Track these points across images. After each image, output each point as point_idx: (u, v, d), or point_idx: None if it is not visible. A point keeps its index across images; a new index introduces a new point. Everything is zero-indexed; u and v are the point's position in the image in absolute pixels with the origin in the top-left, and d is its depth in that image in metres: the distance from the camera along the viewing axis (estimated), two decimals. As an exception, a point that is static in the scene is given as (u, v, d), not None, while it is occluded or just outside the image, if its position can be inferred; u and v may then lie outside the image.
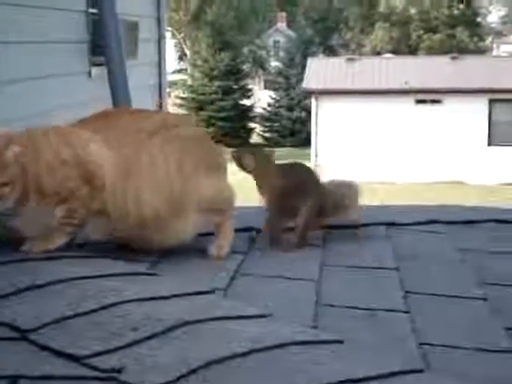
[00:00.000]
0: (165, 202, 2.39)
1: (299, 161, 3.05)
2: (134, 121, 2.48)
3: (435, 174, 25.95)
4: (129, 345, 1.76)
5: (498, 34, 48.61)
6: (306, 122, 32.44)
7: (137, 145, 2.40)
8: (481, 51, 41.68)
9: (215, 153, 2.59)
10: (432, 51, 40.13)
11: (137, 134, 2.42)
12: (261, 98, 39.08)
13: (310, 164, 27.02)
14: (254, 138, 36.97)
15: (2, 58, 5.30)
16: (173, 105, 31.48)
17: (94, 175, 2.35)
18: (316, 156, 27.54)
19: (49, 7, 6.27)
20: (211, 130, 35.19)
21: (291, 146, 34.18)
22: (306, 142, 30.92)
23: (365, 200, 3.26)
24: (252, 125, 37.26)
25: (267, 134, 36.70)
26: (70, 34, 6.82)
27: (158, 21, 9.88)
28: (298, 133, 34.94)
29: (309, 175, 2.81)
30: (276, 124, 36.27)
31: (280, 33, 45.94)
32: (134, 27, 7.84)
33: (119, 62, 3.20)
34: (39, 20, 5.98)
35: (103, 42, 3.20)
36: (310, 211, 2.71)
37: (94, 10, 7.37)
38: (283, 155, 31.97)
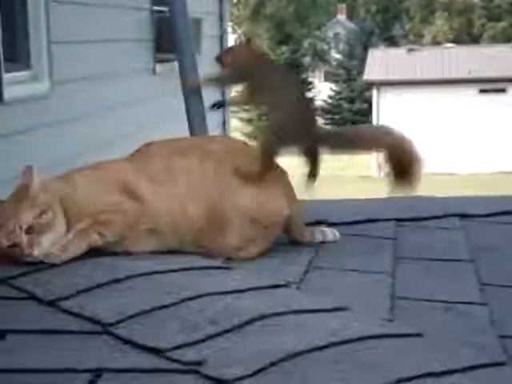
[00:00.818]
0: (204, 212, 2.39)
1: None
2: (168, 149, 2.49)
3: (499, 163, 25.55)
4: (208, 338, 1.78)
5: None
6: (367, 113, 32.25)
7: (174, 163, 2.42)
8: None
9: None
10: (494, 40, 39.49)
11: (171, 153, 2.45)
12: (321, 91, 38.93)
13: (371, 159, 26.87)
14: (315, 131, 36.86)
15: (69, 56, 5.38)
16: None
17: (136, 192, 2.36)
18: (378, 148, 27.35)
19: (116, 6, 6.35)
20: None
21: (353, 138, 33.99)
22: (367, 134, 30.69)
23: (432, 191, 3.24)
24: (313, 118, 37.15)
25: (328, 126, 36.59)
26: (135, 32, 6.91)
27: (221, 17, 9.94)
28: (359, 124, 34.75)
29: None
30: (337, 116, 36.13)
31: (340, 25, 45.70)
32: (197, 24, 7.90)
33: (191, 59, 3.21)
34: (102, 17, 6.05)
35: (175, 41, 3.22)
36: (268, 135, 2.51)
37: (158, 8, 7.45)
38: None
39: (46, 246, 2.21)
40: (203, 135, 3.05)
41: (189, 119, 3.19)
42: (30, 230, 2.19)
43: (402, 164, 2.57)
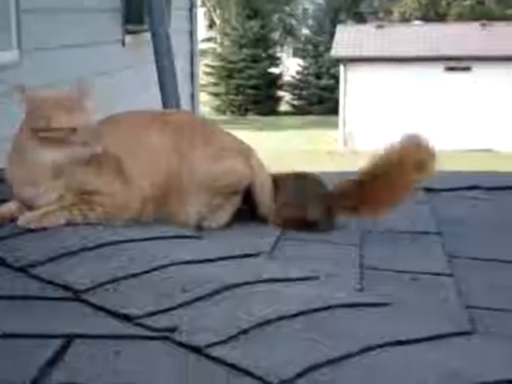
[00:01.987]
0: (173, 185, 2.41)
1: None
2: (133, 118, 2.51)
3: (465, 141, 25.76)
4: (180, 306, 1.80)
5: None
6: (334, 89, 32.26)
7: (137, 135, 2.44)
8: (509, 18, 41.10)
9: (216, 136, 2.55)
10: (461, 18, 39.64)
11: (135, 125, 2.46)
12: (289, 66, 38.88)
13: (337, 131, 26.95)
14: (283, 106, 36.87)
15: (36, 26, 5.32)
16: (203, 73, 31.43)
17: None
18: (344, 124, 27.42)
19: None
20: (240, 98, 35.15)
21: (319, 113, 34.05)
22: (334, 110, 30.76)
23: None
24: (281, 93, 37.12)
25: (295, 102, 36.57)
26: (105, 2, 6.84)
27: (190, -11, 9.86)
28: (326, 101, 34.76)
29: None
30: (304, 92, 36.11)
31: (309, 0, 45.58)
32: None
33: (163, 28, 3.21)
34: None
35: (148, 12, 3.20)
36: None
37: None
38: (312, 123, 31.92)
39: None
40: (170, 109, 3.04)
41: (162, 91, 3.18)
42: None
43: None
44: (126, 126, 2.48)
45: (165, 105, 3.10)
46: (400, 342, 1.68)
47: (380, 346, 1.64)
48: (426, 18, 39.42)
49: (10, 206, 2.33)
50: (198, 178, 2.43)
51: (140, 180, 2.37)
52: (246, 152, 2.54)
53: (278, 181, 2.58)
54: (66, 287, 1.88)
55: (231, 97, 35.56)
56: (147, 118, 2.52)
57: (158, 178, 2.39)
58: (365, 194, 2.51)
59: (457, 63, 26.60)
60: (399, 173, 2.47)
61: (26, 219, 2.25)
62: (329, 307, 1.83)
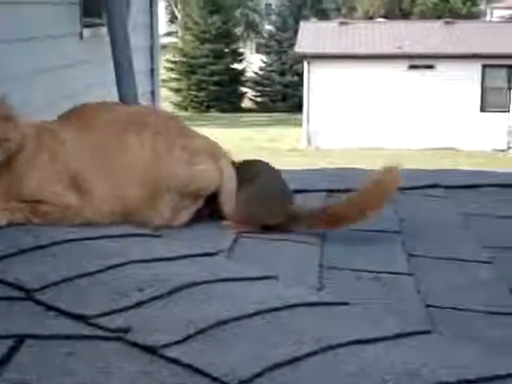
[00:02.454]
0: (142, 191, 2.37)
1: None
2: (107, 115, 2.44)
3: (428, 140, 25.96)
4: (135, 305, 1.76)
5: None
6: (298, 86, 32.32)
7: (112, 139, 2.38)
8: (474, 16, 41.52)
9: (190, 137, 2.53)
10: (425, 16, 39.95)
11: (110, 127, 2.39)
12: (253, 62, 38.88)
13: (301, 129, 27.01)
14: (246, 103, 36.86)
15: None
16: (163, 68, 31.29)
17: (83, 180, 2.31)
18: (308, 121, 27.47)
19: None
20: (202, 94, 35.06)
21: (283, 111, 34.10)
22: (298, 107, 30.83)
23: (359, 165, 3.26)
24: (243, 89, 37.11)
25: (259, 99, 36.58)
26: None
27: (151, -20, 9.77)
28: (290, 97, 34.83)
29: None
30: (268, 88, 36.13)
31: (272, -5, 45.65)
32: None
33: (121, 22, 3.15)
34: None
35: (106, 4, 3.15)
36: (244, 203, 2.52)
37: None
38: (275, 120, 31.95)
39: None
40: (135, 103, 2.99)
41: (119, 86, 3.13)
42: None
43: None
44: (100, 125, 2.40)
45: (122, 101, 3.05)
46: (359, 342, 1.66)
47: (340, 346, 1.62)
48: (389, 16, 39.67)
49: None
50: (171, 182, 2.41)
51: (101, 195, 2.32)
52: (216, 154, 2.53)
53: (241, 171, 2.56)
54: (16, 286, 1.83)
55: (193, 93, 35.47)
56: (123, 118, 2.44)
57: (126, 191, 2.34)
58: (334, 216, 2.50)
59: (420, 61, 26.78)
60: (375, 202, 2.47)
61: None
62: (288, 306, 1.81)
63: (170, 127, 2.48)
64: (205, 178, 2.47)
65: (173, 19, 46.27)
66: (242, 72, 37.17)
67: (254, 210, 2.49)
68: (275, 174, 2.61)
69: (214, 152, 2.53)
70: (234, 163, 2.59)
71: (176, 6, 44.91)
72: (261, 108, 35.50)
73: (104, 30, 7.28)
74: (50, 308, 1.74)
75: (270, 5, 44.27)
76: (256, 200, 2.50)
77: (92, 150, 2.34)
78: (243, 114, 34.38)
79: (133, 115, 2.48)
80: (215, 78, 35.19)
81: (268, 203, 2.50)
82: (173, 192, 2.41)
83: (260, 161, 2.66)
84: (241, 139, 25.33)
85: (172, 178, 2.40)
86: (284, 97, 35.38)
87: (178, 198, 2.42)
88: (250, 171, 2.56)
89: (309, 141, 26.42)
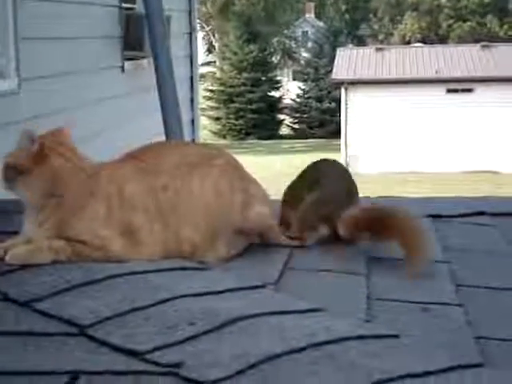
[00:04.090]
0: (201, 234, 2.39)
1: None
2: (173, 158, 2.45)
3: (468, 163, 25.79)
4: (187, 339, 1.77)
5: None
6: (335, 112, 32.36)
7: (176, 182, 2.39)
8: (511, 39, 41.31)
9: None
10: (462, 40, 39.82)
11: (175, 170, 2.40)
12: (290, 90, 39.00)
13: (339, 155, 26.96)
14: (283, 130, 36.94)
15: (36, 53, 5.33)
16: (202, 97, 31.51)
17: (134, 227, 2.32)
18: (346, 147, 27.46)
19: (85, 2, 6.30)
20: (240, 122, 35.24)
21: (320, 137, 34.13)
22: (335, 133, 30.84)
23: (401, 191, 3.24)
24: (281, 116, 37.23)
25: (296, 126, 36.69)
26: (104, 29, 6.86)
27: (189, 14, 9.89)
28: (327, 124, 34.87)
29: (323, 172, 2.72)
30: (305, 115, 36.22)
31: (308, 23, 45.81)
32: (167, 21, 7.87)
33: (166, 57, 3.20)
34: (71, 15, 6.00)
35: (150, 38, 3.20)
36: (309, 206, 2.62)
37: (126, 5, 7.40)
38: (313, 146, 31.95)
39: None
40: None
41: (165, 117, 3.17)
42: None
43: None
44: (165, 168, 2.40)
45: (167, 130, 3.10)
46: (410, 375, 1.65)
47: (391, 380, 1.62)
48: (426, 41, 39.59)
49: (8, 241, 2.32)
50: (231, 224, 2.44)
51: (154, 242, 2.33)
52: (266, 198, 2.59)
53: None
54: (70, 322, 1.85)
55: (231, 121, 35.69)
56: (189, 161, 2.44)
57: (184, 234, 2.36)
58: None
59: (458, 85, 26.66)
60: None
61: (13, 256, 2.23)
62: (338, 340, 1.80)
63: (233, 170, 2.51)
64: (260, 220, 2.51)
65: (210, 49, 46.62)
66: (279, 99, 37.32)
67: (320, 212, 2.58)
68: (340, 174, 2.72)
69: (265, 195, 2.58)
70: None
71: (214, 36, 45.28)
72: (299, 135, 35.59)
73: (144, 62, 7.39)
74: (102, 344, 1.76)
75: (307, 32, 44.43)
76: (320, 203, 2.60)
77: (152, 195, 2.34)
78: (281, 141, 34.47)
79: (200, 157, 2.48)
80: (253, 106, 35.38)
81: (334, 204, 2.60)
82: (230, 232, 2.44)
83: (334, 162, 2.77)
84: (280, 166, 25.35)
85: (232, 220, 2.43)
86: (321, 123, 35.43)
87: (234, 237, 2.46)
88: (314, 175, 2.69)
89: (347, 165, 26.40)
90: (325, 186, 2.65)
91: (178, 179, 2.37)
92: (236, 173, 2.51)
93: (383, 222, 2.53)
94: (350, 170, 2.73)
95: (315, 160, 2.79)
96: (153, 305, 1.94)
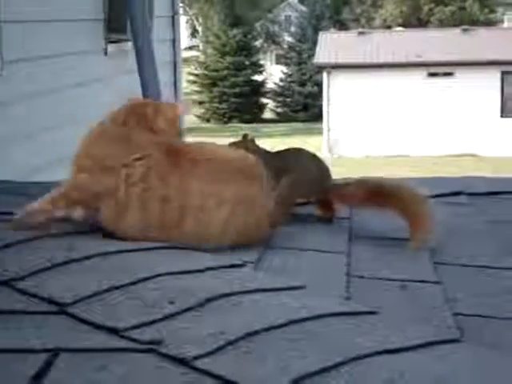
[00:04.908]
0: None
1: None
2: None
3: (448, 146, 25.87)
4: (166, 317, 1.78)
5: (509, 5, 48.13)
6: (318, 96, 32.32)
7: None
8: (492, 23, 41.36)
9: None
10: (443, 24, 39.85)
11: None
12: (273, 73, 38.94)
13: (322, 138, 26.99)
14: (266, 114, 36.90)
15: (19, 36, 5.30)
16: (186, 82, 31.40)
17: None
18: (328, 130, 27.46)
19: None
20: (224, 106, 35.17)
21: (304, 120, 34.12)
22: (318, 117, 30.83)
23: (380, 173, 3.26)
24: (264, 100, 37.17)
25: (279, 109, 36.62)
26: (87, 12, 6.81)
27: (172, -3, 9.83)
28: (310, 107, 34.85)
29: (299, 157, 2.83)
30: (288, 99, 36.17)
31: (291, 7, 45.71)
32: (149, 4, 7.82)
33: (147, 38, 3.19)
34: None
35: (129, 20, 3.19)
36: (289, 186, 2.70)
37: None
38: (296, 130, 31.96)
39: None
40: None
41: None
42: None
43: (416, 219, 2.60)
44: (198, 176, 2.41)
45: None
46: (388, 351, 1.67)
47: (369, 356, 1.63)
48: (407, 25, 39.60)
49: None
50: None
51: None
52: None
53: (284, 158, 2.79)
54: (50, 301, 1.86)
55: (215, 105, 35.60)
56: (231, 166, 2.46)
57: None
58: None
59: (439, 68, 26.72)
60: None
61: None
62: (316, 317, 1.82)
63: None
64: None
65: (194, 33, 46.43)
66: (262, 83, 37.25)
67: (298, 191, 2.69)
68: (313, 157, 2.83)
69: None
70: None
71: (197, 20, 45.08)
72: (282, 118, 35.54)
73: (127, 45, 7.35)
74: (83, 321, 1.77)
75: (290, 16, 44.34)
76: (298, 183, 2.70)
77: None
78: (264, 125, 34.43)
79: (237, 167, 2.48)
80: (236, 90, 35.30)
81: (309, 184, 2.73)
82: None
83: (300, 149, 2.88)
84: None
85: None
86: (304, 107, 35.40)
87: None
88: (290, 158, 2.80)
89: (330, 149, 26.40)
90: (297, 169, 2.75)
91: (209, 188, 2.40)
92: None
93: (385, 193, 2.58)
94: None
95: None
96: (132, 283, 1.94)
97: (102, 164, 2.39)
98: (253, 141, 2.89)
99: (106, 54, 7.13)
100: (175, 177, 2.36)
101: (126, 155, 2.38)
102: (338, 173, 2.90)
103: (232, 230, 2.37)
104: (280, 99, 36.72)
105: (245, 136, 2.91)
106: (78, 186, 2.41)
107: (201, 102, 35.76)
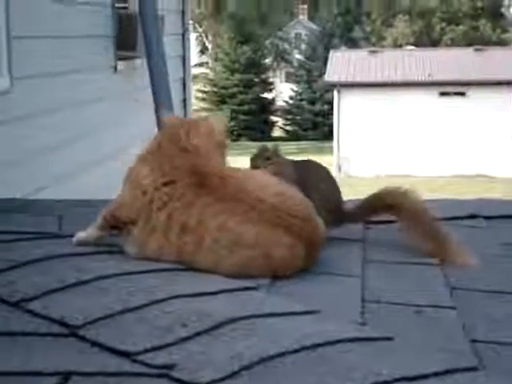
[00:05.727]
0: None
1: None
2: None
3: (459, 167, 25.83)
4: (179, 341, 1.75)
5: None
6: (328, 115, 32.37)
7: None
8: (504, 43, 41.39)
9: None
10: (454, 43, 39.89)
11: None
12: (282, 91, 38.99)
13: (332, 157, 26.99)
14: (276, 132, 36.93)
15: (28, 52, 5.30)
16: (195, 99, 31.47)
17: None
18: (338, 149, 27.46)
19: (78, 2, 6.27)
20: (233, 123, 35.22)
21: (313, 139, 34.14)
22: (328, 136, 30.85)
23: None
24: (273, 118, 37.22)
25: (289, 128, 36.67)
26: (97, 29, 6.82)
27: (182, 14, 9.85)
28: (320, 126, 34.88)
29: (319, 172, 2.83)
30: (298, 117, 36.22)
31: (302, 25, 45.82)
32: (161, 21, 7.83)
33: (160, 55, 3.18)
34: (64, 14, 5.97)
35: (145, 38, 3.18)
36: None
37: (120, 4, 7.36)
38: (306, 148, 31.94)
39: None
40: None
41: (158, 119, 3.15)
42: None
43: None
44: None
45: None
46: (406, 379, 1.64)
47: (387, 382, 1.60)
48: (418, 44, 39.65)
49: None
50: None
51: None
52: None
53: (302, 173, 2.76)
54: (61, 322, 1.83)
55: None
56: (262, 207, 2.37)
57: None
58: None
59: (451, 88, 26.70)
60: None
61: None
62: (332, 342, 1.79)
63: None
64: None
65: (203, 50, 46.59)
66: (271, 101, 37.31)
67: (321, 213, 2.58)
68: (330, 176, 2.84)
69: None
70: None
71: (207, 37, 45.25)
72: (291, 136, 35.58)
73: (136, 62, 7.36)
74: (94, 344, 1.74)
75: (300, 34, 44.44)
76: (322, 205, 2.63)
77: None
78: (274, 143, 34.43)
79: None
80: (245, 108, 35.38)
81: (330, 205, 2.71)
82: None
83: (316, 164, 2.88)
84: (271, 168, 25.28)
85: None
86: (314, 125, 35.43)
87: None
88: (310, 175, 2.78)
89: (339, 168, 26.38)
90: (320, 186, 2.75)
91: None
92: None
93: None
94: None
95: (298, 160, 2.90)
96: (145, 305, 1.92)
97: (141, 186, 2.39)
98: (275, 151, 2.86)
99: (115, 71, 7.14)
100: (197, 206, 2.33)
101: (157, 178, 2.37)
102: (346, 193, 2.87)
103: (243, 273, 2.28)
104: (289, 117, 36.78)
105: (265, 149, 2.89)
106: (124, 204, 2.42)
107: (203, 99, 35.78)
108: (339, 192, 2.81)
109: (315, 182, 2.75)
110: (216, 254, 2.28)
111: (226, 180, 2.38)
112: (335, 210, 2.74)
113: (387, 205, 2.74)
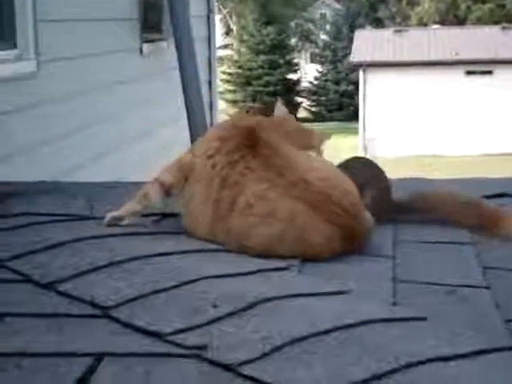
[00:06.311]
0: None
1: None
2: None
3: (486, 145, 25.62)
4: (211, 322, 1.75)
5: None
6: (353, 95, 32.20)
7: None
8: (531, 21, 40.89)
9: None
10: (481, 22, 39.47)
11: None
12: (307, 72, 38.84)
13: (357, 138, 26.87)
14: (301, 113, 36.84)
15: (53, 36, 5.30)
16: (220, 80, 31.46)
17: None
18: (364, 130, 27.34)
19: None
20: (257, 104, 35.14)
21: (338, 120, 34.00)
22: (353, 116, 30.70)
23: (419, 174, 3.20)
24: (299, 99, 37.10)
25: (314, 109, 36.53)
26: (123, 11, 6.81)
27: (207, -5, 9.82)
28: (345, 107, 34.71)
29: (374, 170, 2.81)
30: (323, 98, 36.06)
31: (326, 5, 45.53)
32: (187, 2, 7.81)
33: (188, 36, 3.17)
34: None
35: (172, 19, 3.17)
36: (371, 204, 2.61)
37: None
38: (331, 129, 31.82)
39: None
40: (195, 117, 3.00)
41: (187, 98, 3.14)
42: None
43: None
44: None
45: (190, 113, 3.07)
46: (440, 359, 1.62)
47: (420, 363, 1.59)
48: (444, 23, 39.28)
49: None
50: None
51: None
52: None
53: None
54: (93, 304, 1.84)
55: (249, 104, 35.58)
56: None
57: None
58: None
59: (477, 67, 26.46)
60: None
61: None
62: (364, 322, 1.78)
63: None
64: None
65: (228, 32, 46.45)
66: (297, 82, 37.18)
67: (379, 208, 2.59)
68: (381, 173, 2.81)
69: None
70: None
71: (231, 19, 45.12)
72: (316, 117, 35.44)
73: (162, 44, 7.36)
74: (126, 325, 1.75)
75: (325, 14, 44.17)
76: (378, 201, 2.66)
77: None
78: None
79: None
80: (270, 89, 35.27)
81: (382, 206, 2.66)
82: None
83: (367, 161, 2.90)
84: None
85: None
86: (340, 106, 35.27)
87: None
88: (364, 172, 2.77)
89: (365, 149, 26.27)
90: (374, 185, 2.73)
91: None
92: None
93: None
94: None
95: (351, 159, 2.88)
96: (176, 286, 1.91)
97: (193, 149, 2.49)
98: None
99: (141, 53, 7.14)
100: (240, 166, 2.33)
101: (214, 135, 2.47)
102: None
103: (271, 249, 2.27)
104: (315, 98, 36.62)
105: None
106: (169, 168, 2.48)
107: (234, 101, 35.78)
108: (390, 190, 2.76)
109: (369, 180, 2.71)
110: (247, 219, 2.26)
111: (278, 152, 2.36)
112: (387, 208, 2.70)
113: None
